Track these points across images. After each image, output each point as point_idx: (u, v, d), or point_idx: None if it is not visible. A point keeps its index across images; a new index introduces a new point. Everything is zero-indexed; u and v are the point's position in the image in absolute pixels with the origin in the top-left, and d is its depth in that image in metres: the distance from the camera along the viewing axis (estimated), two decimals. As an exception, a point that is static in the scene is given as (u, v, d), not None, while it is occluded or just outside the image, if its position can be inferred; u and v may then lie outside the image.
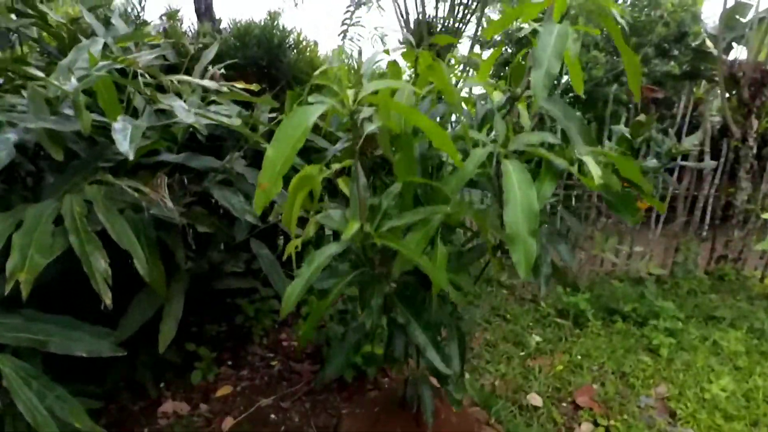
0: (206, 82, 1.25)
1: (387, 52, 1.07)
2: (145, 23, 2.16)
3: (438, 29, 3.80)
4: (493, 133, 0.91)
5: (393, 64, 1.12)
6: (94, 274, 0.99)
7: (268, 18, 2.39)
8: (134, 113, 1.49)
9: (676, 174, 3.06)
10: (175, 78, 1.18)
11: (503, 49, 4.51)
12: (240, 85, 1.68)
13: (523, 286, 2.93)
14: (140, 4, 2.22)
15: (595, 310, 2.44)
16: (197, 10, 2.63)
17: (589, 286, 2.81)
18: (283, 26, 2.48)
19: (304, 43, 2.58)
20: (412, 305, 0.84)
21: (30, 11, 1.66)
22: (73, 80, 1.12)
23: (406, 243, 0.73)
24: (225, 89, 1.33)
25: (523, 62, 1.04)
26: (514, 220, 0.69)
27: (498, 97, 1.19)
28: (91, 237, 1.03)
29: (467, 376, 1.89)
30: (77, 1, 1.98)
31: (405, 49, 1.05)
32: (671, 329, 2.14)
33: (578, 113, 0.96)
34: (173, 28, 2.19)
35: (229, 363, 1.94)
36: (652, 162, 2.15)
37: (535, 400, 1.71)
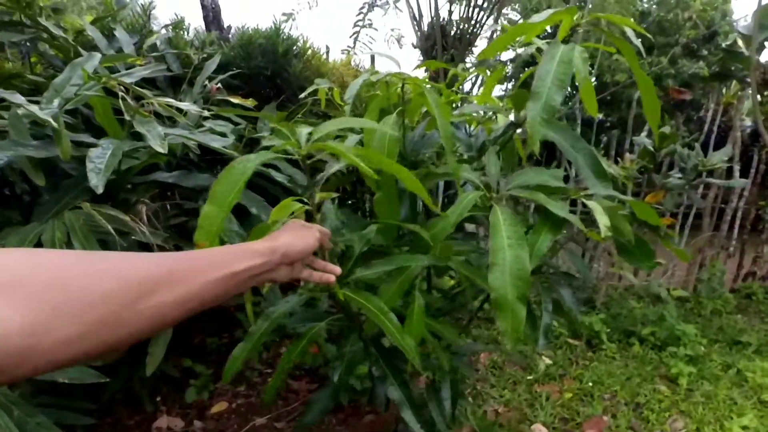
0: (186, 105, 1.21)
1: (376, 72, 1.00)
2: (151, 33, 2.15)
3: (453, 32, 3.70)
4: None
5: (384, 85, 1.05)
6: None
7: (273, 26, 2.35)
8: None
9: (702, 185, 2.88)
10: (156, 100, 1.14)
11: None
12: (236, 99, 1.65)
13: (534, 303, 2.82)
14: (146, 14, 2.21)
15: (610, 332, 2.32)
16: (205, 18, 2.61)
17: (606, 304, 2.67)
18: (289, 34, 2.43)
19: (310, 50, 2.54)
20: (390, 356, 0.77)
21: (33, 25, 1.67)
22: (56, 103, 1.10)
23: (374, 300, 0.66)
24: (206, 113, 1.29)
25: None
26: (501, 284, 0.61)
27: (503, 120, 1.10)
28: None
29: (470, 400, 1.81)
30: (80, 12, 1.98)
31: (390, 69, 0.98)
32: (692, 356, 2.00)
33: (588, 145, 0.86)
34: (177, 38, 2.17)
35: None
36: (676, 179, 2.02)
37: (540, 431, 1.62)
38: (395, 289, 0.70)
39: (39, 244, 1.06)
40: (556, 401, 1.79)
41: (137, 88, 1.20)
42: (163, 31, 2.12)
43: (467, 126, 1.27)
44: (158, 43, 2.12)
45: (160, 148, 0.94)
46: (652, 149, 2.11)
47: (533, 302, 0.94)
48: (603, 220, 0.69)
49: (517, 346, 0.61)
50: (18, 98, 1.09)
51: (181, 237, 1.41)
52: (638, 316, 2.34)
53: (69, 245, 1.05)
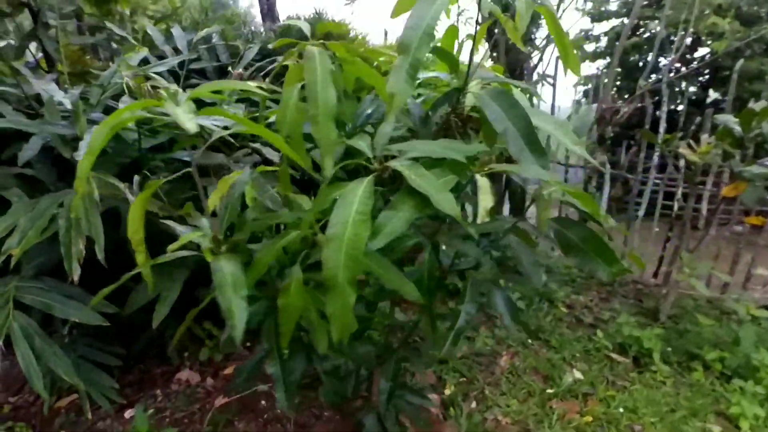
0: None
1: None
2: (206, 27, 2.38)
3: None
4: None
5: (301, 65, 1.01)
6: (70, 255, 1.14)
7: (315, 13, 2.43)
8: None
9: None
10: (161, 85, 1.28)
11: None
12: (253, 83, 1.75)
13: (585, 307, 2.50)
14: (206, 12, 2.46)
15: (671, 351, 1.95)
16: (261, 11, 2.81)
17: (674, 317, 2.26)
18: (331, 19, 2.50)
19: (351, 35, 2.57)
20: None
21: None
22: (76, 91, 1.29)
23: (231, 271, 0.65)
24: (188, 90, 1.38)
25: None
26: (334, 263, 0.53)
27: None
28: (78, 223, 1.19)
29: (473, 405, 1.69)
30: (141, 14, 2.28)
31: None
32: (766, 395, 1.58)
33: (525, 112, 0.73)
34: (227, 31, 2.38)
35: (247, 344, 2.07)
36: (760, 166, 1.61)
37: (539, 449, 1.44)
38: (264, 260, 0.68)
39: (61, 204, 1.26)
40: (569, 422, 1.57)
41: (152, 74, 1.36)
42: (214, 26, 2.34)
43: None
44: (213, 35, 2.34)
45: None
46: (735, 129, 1.71)
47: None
48: (485, 201, 0.58)
49: (344, 340, 0.55)
50: (52, 87, 1.30)
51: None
52: (708, 336, 1.93)
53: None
